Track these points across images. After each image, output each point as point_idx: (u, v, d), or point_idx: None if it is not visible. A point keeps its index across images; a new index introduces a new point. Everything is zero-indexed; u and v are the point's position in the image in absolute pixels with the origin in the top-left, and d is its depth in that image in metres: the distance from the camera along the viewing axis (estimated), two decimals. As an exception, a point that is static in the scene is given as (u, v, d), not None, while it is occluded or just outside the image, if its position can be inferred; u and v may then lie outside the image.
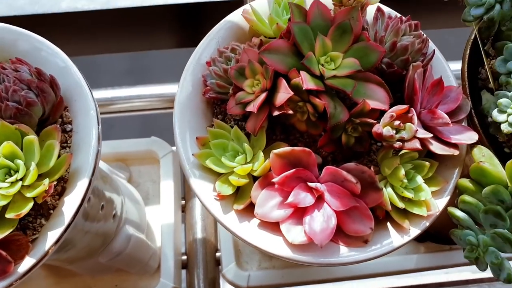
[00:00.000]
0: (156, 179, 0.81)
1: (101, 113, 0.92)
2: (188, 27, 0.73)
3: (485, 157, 0.37)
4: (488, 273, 0.38)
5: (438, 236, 0.78)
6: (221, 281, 0.79)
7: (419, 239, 0.78)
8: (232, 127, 0.40)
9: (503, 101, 0.37)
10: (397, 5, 0.70)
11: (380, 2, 0.45)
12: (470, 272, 0.80)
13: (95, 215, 0.55)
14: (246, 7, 0.43)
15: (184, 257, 0.78)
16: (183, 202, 0.82)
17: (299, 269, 0.74)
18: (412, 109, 0.37)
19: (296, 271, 0.74)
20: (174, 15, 0.70)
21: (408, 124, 0.36)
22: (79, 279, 0.75)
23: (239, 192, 0.38)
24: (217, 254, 0.78)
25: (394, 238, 0.37)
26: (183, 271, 0.78)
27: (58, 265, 0.71)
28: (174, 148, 0.81)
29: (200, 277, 0.76)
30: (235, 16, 0.44)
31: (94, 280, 0.74)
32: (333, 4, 0.42)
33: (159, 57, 1.23)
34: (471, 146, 0.39)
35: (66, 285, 0.75)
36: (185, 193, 0.82)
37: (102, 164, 0.71)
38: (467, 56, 0.43)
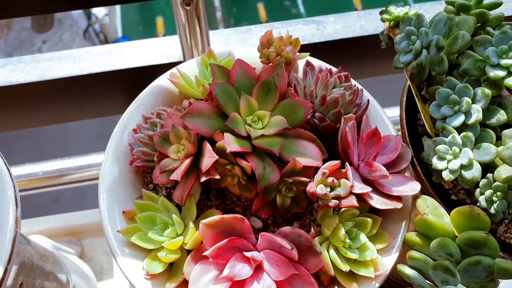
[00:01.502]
0: (109, 251, 0.76)
1: (53, 186, 0.88)
2: (134, 91, 0.71)
3: (429, 208, 0.35)
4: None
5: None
6: None
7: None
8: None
9: (441, 147, 0.36)
10: (337, 54, 0.71)
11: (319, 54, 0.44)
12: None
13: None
14: (173, 70, 0.42)
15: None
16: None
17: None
18: (347, 163, 0.35)
19: None
20: (117, 81, 0.69)
21: (343, 180, 0.33)
22: None
23: (172, 268, 0.35)
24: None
25: (342, 303, 0.34)
26: None
27: None
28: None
29: None
30: (163, 80, 0.42)
31: None
32: (261, 62, 0.41)
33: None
34: (415, 197, 0.37)
35: None
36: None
37: (45, 242, 0.67)
38: (404, 102, 0.42)
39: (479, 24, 0.42)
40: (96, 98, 0.73)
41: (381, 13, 0.47)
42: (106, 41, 4.16)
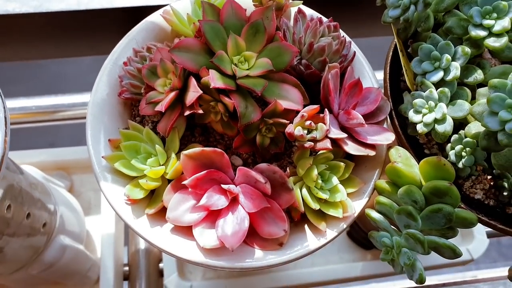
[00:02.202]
0: (98, 188, 0.79)
1: (46, 121, 0.89)
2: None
3: (401, 158, 0.37)
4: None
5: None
6: (166, 292, 0.77)
7: (365, 246, 0.78)
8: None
9: (418, 101, 0.37)
10: (334, 10, 0.71)
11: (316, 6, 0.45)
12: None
13: (19, 224, 0.52)
14: (167, 7, 0.43)
15: (126, 268, 0.76)
16: (126, 211, 0.80)
17: (243, 279, 0.72)
18: (326, 109, 0.36)
19: (240, 281, 0.73)
20: (114, 19, 0.69)
21: (320, 124, 0.35)
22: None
23: (153, 196, 0.37)
24: (160, 265, 0.76)
25: (311, 240, 0.37)
26: (125, 283, 0.76)
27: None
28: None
29: (142, 288, 0.73)
30: (156, 17, 0.43)
31: (30, 295, 0.71)
32: (254, 5, 0.42)
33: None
34: (389, 147, 0.38)
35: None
36: (128, 202, 0.79)
37: (35, 172, 0.69)
38: (389, 58, 0.43)
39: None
40: (92, 35, 0.73)
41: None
42: None
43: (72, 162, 0.79)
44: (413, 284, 0.89)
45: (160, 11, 0.43)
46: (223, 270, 0.43)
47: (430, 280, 0.79)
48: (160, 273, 0.76)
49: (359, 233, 0.76)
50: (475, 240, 0.76)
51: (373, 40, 0.70)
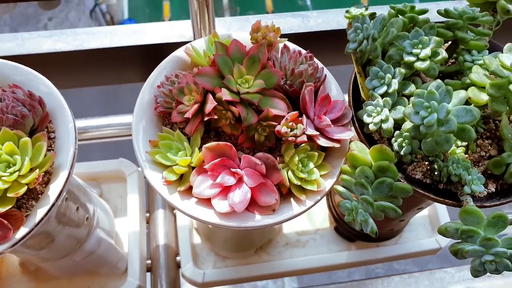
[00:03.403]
0: (123, 194, 0.93)
1: (92, 138, 1.04)
2: (150, 64, 0.88)
3: (358, 148, 0.52)
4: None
5: (367, 235, 0.91)
6: (181, 281, 0.91)
7: (350, 239, 0.92)
8: (177, 133, 0.53)
9: (369, 108, 0.52)
10: (318, 43, 0.86)
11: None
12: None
13: (70, 215, 0.67)
14: (188, 45, 0.58)
15: (149, 261, 0.90)
16: (148, 214, 0.94)
17: (247, 266, 0.86)
18: (304, 115, 0.51)
19: (244, 268, 0.86)
20: (139, 54, 0.85)
21: (299, 124, 0.50)
22: (55, 282, 0.86)
23: (182, 179, 0.52)
24: (178, 258, 0.90)
25: (295, 208, 0.51)
26: (148, 274, 0.90)
27: (38, 266, 0.82)
28: (139, 168, 0.94)
29: (162, 277, 0.87)
30: (180, 52, 0.59)
31: (69, 282, 0.85)
32: (251, 42, 0.57)
33: (126, 90, 1.38)
34: (350, 141, 0.53)
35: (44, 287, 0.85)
36: (149, 206, 0.94)
37: (77, 179, 0.84)
38: (352, 79, 0.58)
39: (411, 24, 0.58)
40: (121, 67, 0.89)
41: (346, 12, 0.63)
42: (112, 21, 4.16)
43: (101, 173, 0.93)
44: (394, 272, 1.03)
45: (183, 48, 0.58)
46: (232, 229, 0.57)
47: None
48: (178, 265, 0.89)
49: (345, 228, 0.90)
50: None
51: (341, 67, 0.86)
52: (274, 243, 0.89)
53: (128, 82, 0.91)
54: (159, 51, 0.84)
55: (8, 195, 0.46)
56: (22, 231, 0.47)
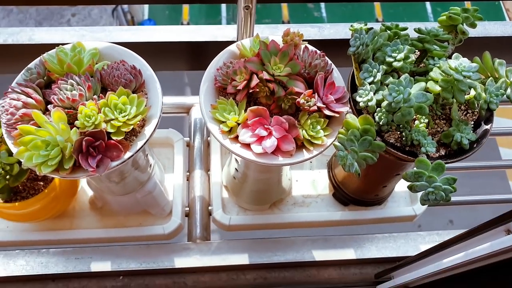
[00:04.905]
0: (170, 157, 1.19)
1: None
2: (201, 57, 1.14)
3: (351, 118, 0.77)
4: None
5: (358, 201, 1.16)
6: (212, 226, 1.16)
7: (345, 203, 1.17)
8: (228, 101, 0.79)
9: (360, 91, 0.77)
10: (330, 49, 1.11)
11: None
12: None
13: (139, 160, 0.92)
14: (238, 43, 0.84)
15: (187, 209, 1.15)
16: (188, 173, 1.20)
17: (263, 215, 1.11)
18: (316, 94, 0.76)
19: (260, 217, 1.11)
20: (191, 48, 1.10)
21: (312, 99, 0.75)
22: (115, 218, 1.11)
23: (231, 130, 0.77)
24: (210, 207, 1.15)
25: (305, 155, 0.76)
26: (186, 219, 1.15)
27: (103, 204, 1.07)
28: (185, 138, 1.20)
29: (197, 220, 1.12)
30: (232, 47, 0.84)
31: (126, 218, 1.11)
32: (283, 42, 0.83)
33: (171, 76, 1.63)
34: (346, 113, 0.78)
35: (107, 221, 1.11)
36: (189, 167, 1.19)
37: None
38: (351, 72, 0.84)
39: (397, 37, 0.83)
40: (173, 58, 1.15)
41: (350, 26, 0.89)
42: (132, 21, 4.30)
43: (155, 139, 1.19)
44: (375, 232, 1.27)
45: (234, 44, 0.84)
46: (263, 165, 0.82)
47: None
48: (209, 213, 1.15)
49: (341, 194, 1.15)
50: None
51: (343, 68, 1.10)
52: (284, 201, 1.14)
53: (179, 70, 1.17)
54: (208, 48, 1.09)
55: (122, 129, 0.72)
56: (128, 154, 0.73)
